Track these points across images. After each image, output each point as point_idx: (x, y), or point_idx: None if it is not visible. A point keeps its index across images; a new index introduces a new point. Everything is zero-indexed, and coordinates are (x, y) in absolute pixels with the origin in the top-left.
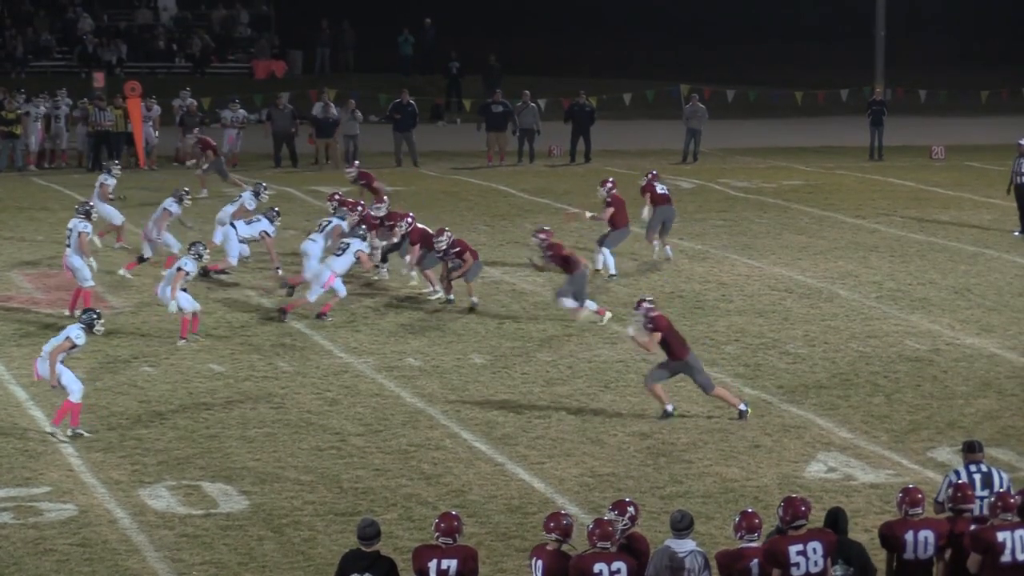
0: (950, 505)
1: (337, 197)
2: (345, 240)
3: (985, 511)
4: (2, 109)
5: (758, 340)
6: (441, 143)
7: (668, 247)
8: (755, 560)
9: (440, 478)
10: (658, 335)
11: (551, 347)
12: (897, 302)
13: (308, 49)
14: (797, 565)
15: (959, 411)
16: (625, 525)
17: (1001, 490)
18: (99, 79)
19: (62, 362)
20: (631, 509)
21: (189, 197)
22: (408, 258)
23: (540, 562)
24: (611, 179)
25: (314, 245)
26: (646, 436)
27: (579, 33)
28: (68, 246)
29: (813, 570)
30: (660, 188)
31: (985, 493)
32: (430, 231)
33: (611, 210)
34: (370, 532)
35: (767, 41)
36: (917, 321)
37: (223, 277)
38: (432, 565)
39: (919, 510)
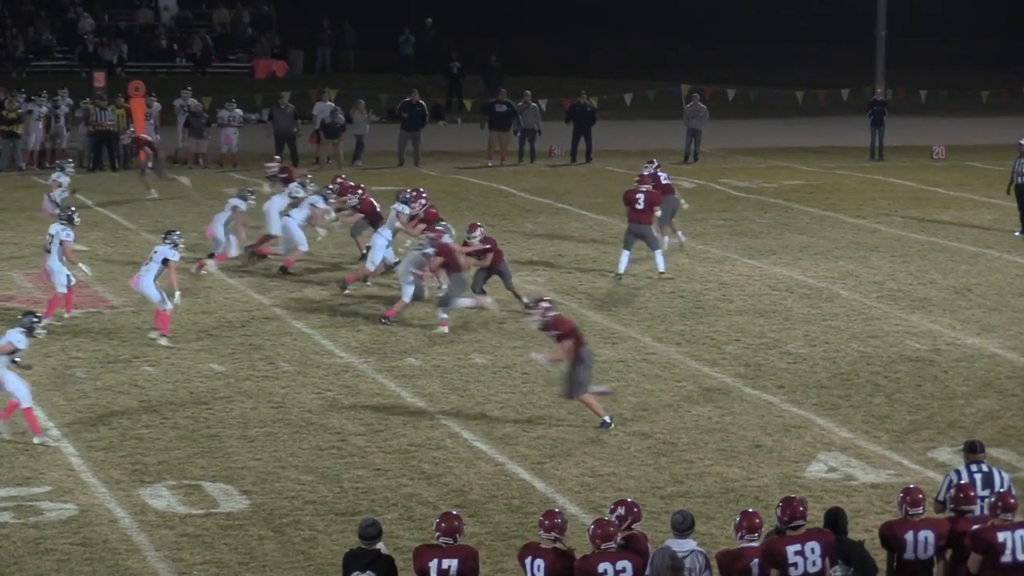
0: (951, 506)
1: (339, 180)
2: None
3: (986, 511)
4: (3, 109)
5: (759, 340)
6: (442, 143)
7: (680, 232)
8: (755, 560)
9: (441, 478)
10: (569, 342)
11: (551, 347)
12: (898, 302)
13: (309, 49)
14: (795, 565)
15: (960, 411)
16: (619, 519)
17: (1002, 490)
18: (100, 79)
19: (7, 367)
20: (621, 509)
21: (254, 196)
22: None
23: (542, 562)
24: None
25: (289, 219)
26: (646, 436)
27: (580, 33)
28: (48, 251)
29: (811, 570)
30: (664, 178)
31: (986, 493)
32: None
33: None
34: (371, 532)
35: (768, 41)
36: (918, 321)
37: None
38: (433, 565)
39: (920, 510)
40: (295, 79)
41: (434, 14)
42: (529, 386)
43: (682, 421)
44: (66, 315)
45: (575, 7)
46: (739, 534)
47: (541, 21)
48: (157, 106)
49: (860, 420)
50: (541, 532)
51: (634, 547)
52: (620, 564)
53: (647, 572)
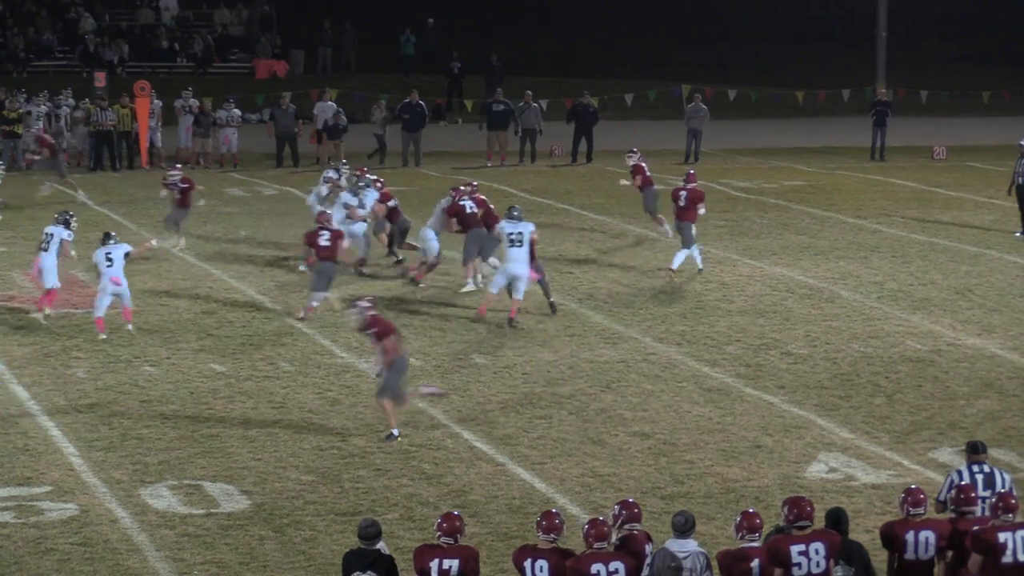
0: (952, 506)
1: (364, 172)
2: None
3: (987, 512)
4: (3, 109)
5: (759, 340)
6: (442, 143)
7: (665, 223)
8: (756, 560)
9: (441, 478)
10: (390, 339)
11: (552, 347)
12: (898, 303)
13: (310, 49)
14: (799, 565)
15: (960, 412)
16: (614, 519)
17: (1003, 491)
18: (100, 79)
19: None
20: (617, 508)
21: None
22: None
23: (545, 562)
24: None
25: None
26: (647, 436)
27: (581, 33)
28: (44, 250)
29: (815, 571)
30: (647, 170)
31: (987, 494)
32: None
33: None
34: (371, 532)
35: (768, 41)
36: (918, 322)
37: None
38: (434, 565)
39: (921, 510)
40: (296, 79)
41: (435, 14)
42: (529, 386)
43: (683, 421)
44: (46, 311)
45: (576, 7)
46: (739, 534)
47: (542, 21)
48: (158, 103)
49: (861, 420)
50: (540, 534)
51: (629, 548)
52: (613, 565)
53: (645, 573)
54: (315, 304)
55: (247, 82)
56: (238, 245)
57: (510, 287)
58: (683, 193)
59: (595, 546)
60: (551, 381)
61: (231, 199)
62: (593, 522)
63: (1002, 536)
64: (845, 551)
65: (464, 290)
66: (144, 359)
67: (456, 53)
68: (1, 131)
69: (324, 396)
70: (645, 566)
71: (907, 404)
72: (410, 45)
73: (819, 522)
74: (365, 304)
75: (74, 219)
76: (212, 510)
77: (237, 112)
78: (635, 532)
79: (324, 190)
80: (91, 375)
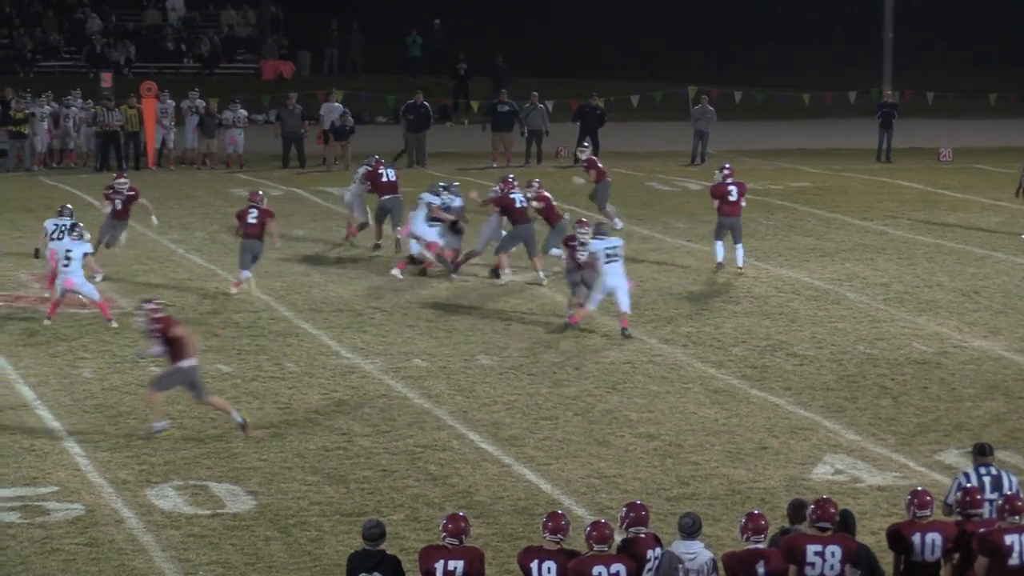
0: (959, 509)
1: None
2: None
3: (994, 514)
4: (10, 109)
5: (765, 342)
6: (448, 144)
7: (616, 216)
8: (761, 561)
9: (447, 479)
10: (179, 332)
11: (558, 348)
12: (904, 304)
13: (316, 50)
14: (812, 565)
15: (966, 414)
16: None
17: (1009, 493)
18: (107, 79)
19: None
20: (623, 511)
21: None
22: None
23: (552, 563)
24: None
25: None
26: (653, 438)
27: (587, 35)
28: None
29: (828, 573)
30: (600, 163)
31: (995, 496)
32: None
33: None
34: (375, 533)
35: (774, 43)
36: (924, 323)
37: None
38: (439, 566)
39: (927, 512)
40: (302, 80)
41: (442, 15)
42: (535, 387)
43: (688, 423)
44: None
45: (582, 9)
46: (745, 536)
47: (548, 23)
48: (171, 103)
49: (867, 422)
50: (546, 534)
51: (631, 551)
52: (614, 567)
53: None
54: (245, 278)
55: (253, 83)
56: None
57: (586, 295)
58: (733, 188)
59: (596, 548)
60: (557, 382)
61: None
62: (595, 524)
63: (1008, 538)
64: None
65: (500, 281)
66: (150, 359)
67: (463, 54)
68: (8, 131)
69: (330, 397)
70: (646, 571)
71: (913, 406)
72: (416, 46)
73: None
74: (151, 306)
75: (82, 229)
76: (218, 510)
77: (243, 113)
78: (640, 535)
79: (356, 188)
80: (97, 375)
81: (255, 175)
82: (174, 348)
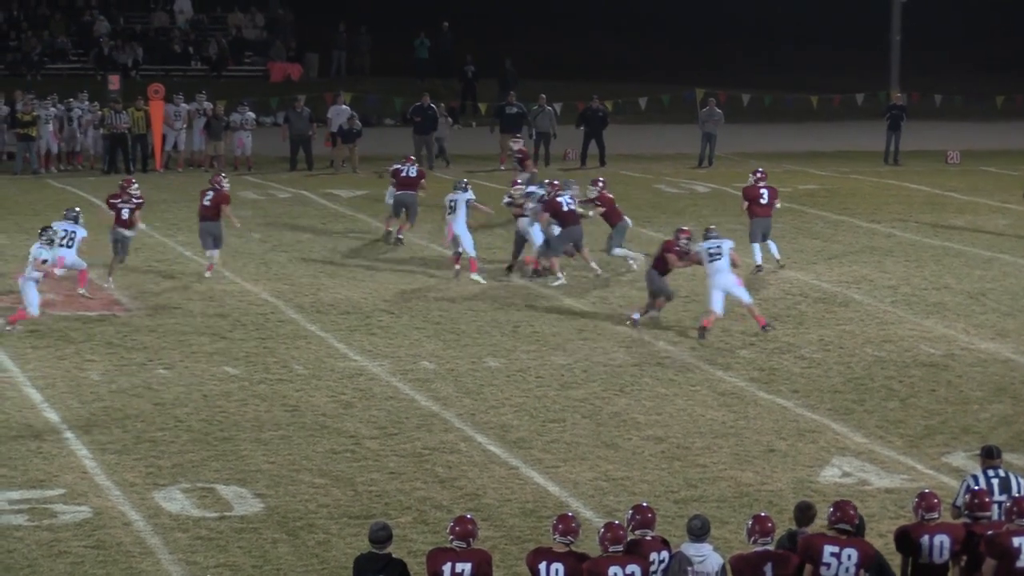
0: (967, 511)
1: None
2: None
3: (1001, 516)
4: (17, 111)
5: (773, 344)
6: (456, 146)
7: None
8: (769, 564)
9: (454, 481)
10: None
11: (566, 350)
12: (912, 307)
13: (324, 52)
14: (828, 565)
15: (974, 416)
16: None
17: (1018, 495)
18: (115, 82)
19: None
20: (630, 512)
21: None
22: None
23: (560, 566)
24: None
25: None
26: (661, 440)
27: (595, 37)
28: (68, 246)
29: (843, 575)
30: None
31: (1003, 498)
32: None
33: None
34: (382, 536)
35: (782, 45)
36: (932, 326)
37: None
38: (447, 568)
39: (935, 514)
40: (310, 82)
41: (450, 18)
42: (543, 390)
43: (696, 425)
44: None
45: (591, 11)
46: (751, 538)
47: (556, 25)
48: (185, 107)
49: (874, 425)
50: (556, 536)
51: (635, 553)
52: (629, 568)
53: None
54: (209, 255)
55: (261, 85)
56: (251, 247)
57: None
58: (765, 191)
59: (611, 549)
60: (565, 385)
61: (245, 202)
62: (609, 525)
63: (1016, 540)
64: None
65: (554, 284)
66: (158, 362)
67: (470, 57)
68: (15, 134)
69: (337, 399)
70: (651, 574)
71: (921, 408)
72: (424, 49)
73: None
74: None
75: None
76: (225, 513)
77: (251, 115)
78: (646, 538)
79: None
80: (105, 378)
81: (263, 177)
82: None
